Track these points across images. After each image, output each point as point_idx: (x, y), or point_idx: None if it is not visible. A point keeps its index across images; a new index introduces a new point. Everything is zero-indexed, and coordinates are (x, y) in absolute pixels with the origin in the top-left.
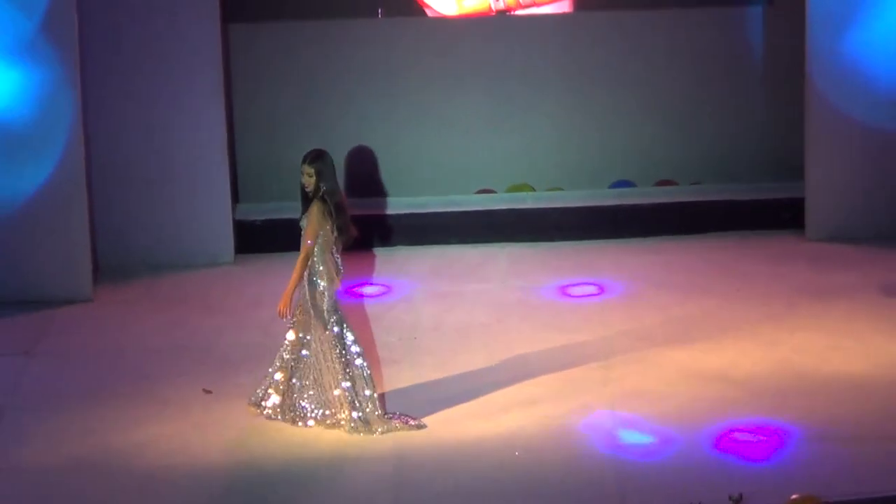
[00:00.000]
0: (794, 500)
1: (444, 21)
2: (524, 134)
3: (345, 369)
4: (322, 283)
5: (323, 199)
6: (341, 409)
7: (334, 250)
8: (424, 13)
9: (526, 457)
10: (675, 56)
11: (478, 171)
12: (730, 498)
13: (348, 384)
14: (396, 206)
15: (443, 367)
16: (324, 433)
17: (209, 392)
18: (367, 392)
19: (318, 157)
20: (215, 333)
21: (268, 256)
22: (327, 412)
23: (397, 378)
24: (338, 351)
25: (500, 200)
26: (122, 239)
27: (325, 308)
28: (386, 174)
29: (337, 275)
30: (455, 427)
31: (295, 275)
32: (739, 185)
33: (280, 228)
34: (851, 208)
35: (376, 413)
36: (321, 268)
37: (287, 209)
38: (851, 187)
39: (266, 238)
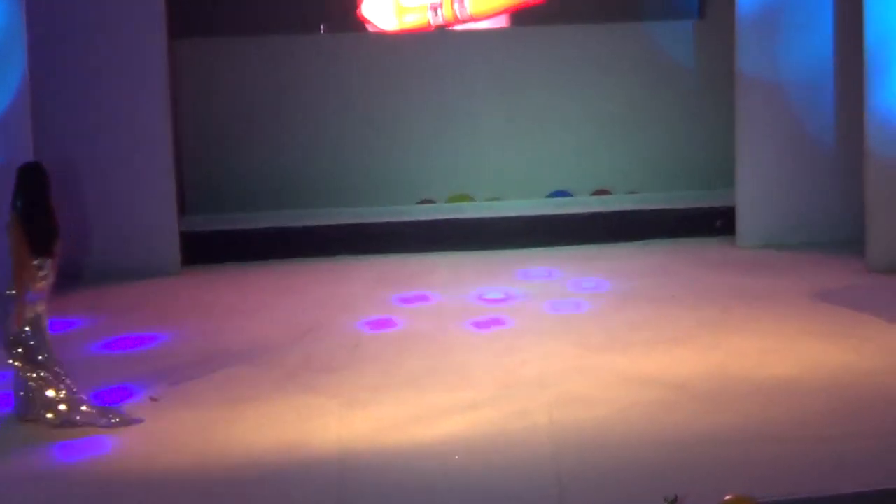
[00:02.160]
0: (729, 500)
1: (384, 36)
2: (464, 145)
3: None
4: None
5: (15, 214)
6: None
7: (30, 261)
8: (365, 29)
9: (466, 461)
10: (609, 69)
11: (419, 182)
12: (665, 499)
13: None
14: (339, 216)
15: (385, 373)
16: (267, 439)
17: (156, 399)
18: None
19: (19, 172)
20: (159, 343)
21: (214, 267)
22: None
23: (340, 385)
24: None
25: (441, 210)
26: (67, 250)
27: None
28: (329, 185)
29: (31, 282)
30: (397, 432)
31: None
32: (673, 194)
33: (226, 239)
34: (781, 216)
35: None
36: None
37: (233, 220)
38: (781, 195)
39: (212, 249)
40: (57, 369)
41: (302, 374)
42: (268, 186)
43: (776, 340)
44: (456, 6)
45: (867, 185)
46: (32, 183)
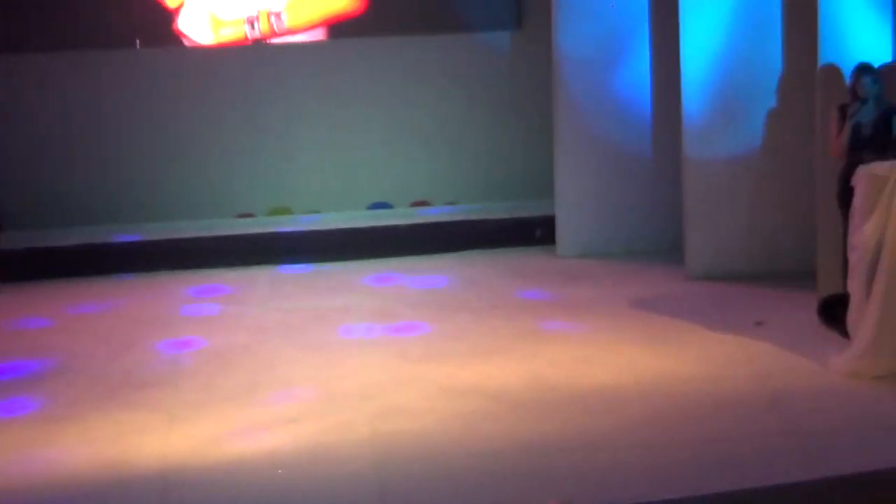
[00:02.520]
0: None
1: (201, 50)
2: (283, 158)
3: None
4: None
5: None
6: None
7: None
8: (182, 43)
9: (289, 474)
10: (427, 80)
11: (238, 196)
12: None
13: None
14: (157, 231)
15: (206, 388)
16: (87, 456)
17: None
18: None
19: None
20: None
21: (29, 285)
22: None
23: (161, 401)
24: None
25: (259, 224)
26: None
27: None
28: (147, 199)
29: None
30: (219, 447)
31: None
32: (493, 205)
33: (41, 257)
34: (600, 225)
35: None
36: None
37: (49, 237)
38: (600, 204)
39: (27, 267)
40: None
41: (122, 391)
42: (84, 202)
43: (594, 349)
44: (272, 19)
45: (685, 194)
46: None
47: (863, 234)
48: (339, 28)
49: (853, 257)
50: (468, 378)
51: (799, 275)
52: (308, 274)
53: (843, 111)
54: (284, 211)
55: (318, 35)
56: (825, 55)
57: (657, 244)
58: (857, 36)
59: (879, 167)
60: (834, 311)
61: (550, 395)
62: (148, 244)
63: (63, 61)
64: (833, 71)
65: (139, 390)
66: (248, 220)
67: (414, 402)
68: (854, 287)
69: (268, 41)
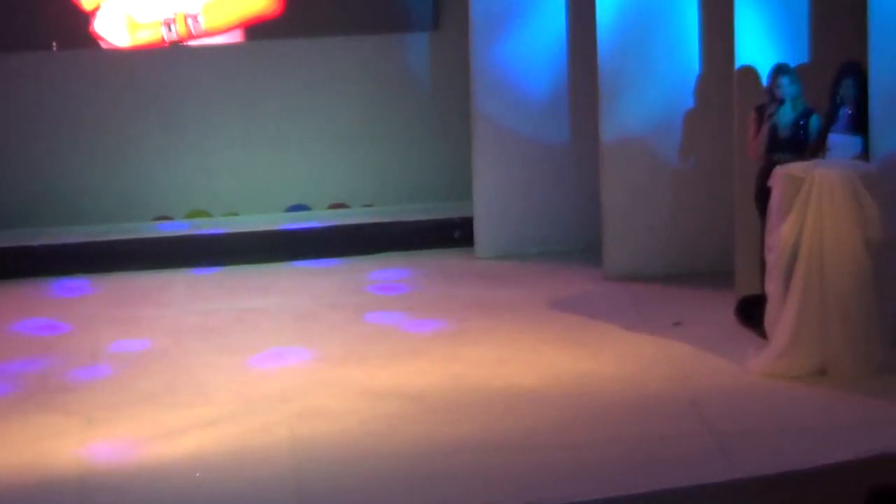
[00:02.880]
0: None
1: (118, 53)
2: (201, 161)
3: None
4: None
5: None
6: None
7: None
8: (98, 45)
9: (207, 477)
10: (344, 83)
11: (156, 199)
12: None
13: None
14: (74, 234)
15: (123, 392)
16: (4, 459)
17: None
18: None
19: None
20: None
21: None
22: None
23: (78, 404)
24: None
25: (178, 227)
26: None
27: None
28: (63, 203)
29: None
30: (137, 450)
31: None
32: (411, 206)
33: None
34: (519, 226)
35: None
36: None
37: None
38: (518, 205)
39: None
40: None
41: (38, 394)
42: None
43: (513, 350)
44: (189, 22)
45: (603, 195)
46: None
47: (780, 234)
48: (256, 30)
49: (770, 258)
50: (387, 380)
51: (717, 275)
52: (226, 276)
53: (760, 112)
54: (202, 213)
55: (236, 37)
56: (742, 55)
57: (575, 245)
58: (775, 35)
59: (796, 168)
60: (752, 312)
61: (470, 397)
62: (63, 247)
63: None
64: (750, 72)
65: (55, 393)
66: (166, 222)
67: (334, 404)
68: (771, 288)
69: (185, 43)
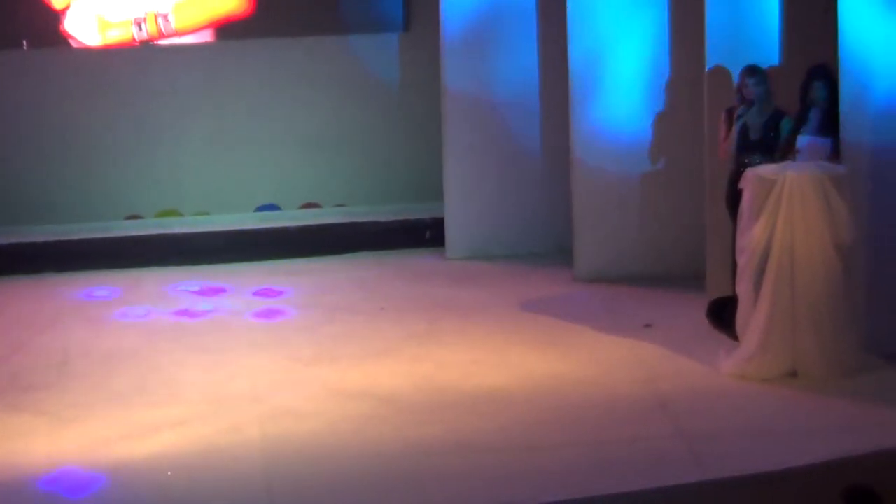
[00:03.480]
0: None
1: (88, 52)
2: (171, 160)
3: None
4: None
5: None
6: None
7: None
8: (69, 44)
9: (177, 476)
10: (315, 83)
11: (126, 198)
12: None
13: None
14: (43, 232)
15: (93, 391)
16: None
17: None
18: None
19: None
20: None
21: None
22: None
23: (48, 403)
24: None
25: (148, 226)
26: None
27: None
28: (33, 201)
29: None
30: (108, 449)
31: None
32: (382, 207)
33: None
34: (489, 227)
35: None
36: None
37: None
38: (489, 206)
39: None
40: None
41: (7, 393)
42: None
43: (484, 351)
44: (160, 21)
45: (574, 196)
46: None
47: (751, 236)
48: (226, 30)
49: (741, 260)
50: (357, 380)
51: (688, 277)
52: (196, 276)
53: (730, 114)
54: (173, 213)
55: (206, 37)
56: (712, 57)
57: (546, 246)
58: (746, 38)
59: (767, 170)
60: (722, 314)
61: (440, 398)
62: (33, 245)
63: None
64: (721, 72)
65: (25, 392)
66: (136, 221)
67: (303, 405)
68: (742, 290)
69: (155, 43)
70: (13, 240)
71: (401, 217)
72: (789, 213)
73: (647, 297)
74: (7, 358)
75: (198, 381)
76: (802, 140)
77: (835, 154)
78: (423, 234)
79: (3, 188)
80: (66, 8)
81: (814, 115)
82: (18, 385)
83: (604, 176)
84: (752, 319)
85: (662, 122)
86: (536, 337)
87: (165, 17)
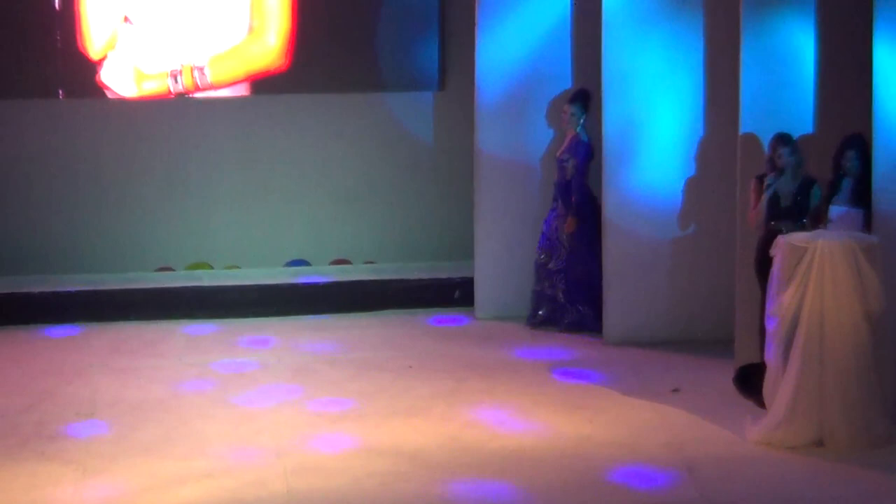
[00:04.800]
0: None
1: (123, 103)
2: (202, 213)
3: None
4: None
5: None
6: None
7: None
8: (105, 95)
9: None
10: (349, 139)
11: (158, 250)
12: None
13: None
14: (74, 282)
15: (119, 441)
16: None
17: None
18: None
19: None
20: None
21: None
22: None
23: (74, 453)
24: None
25: (178, 278)
26: None
27: None
28: (64, 250)
29: None
30: (133, 501)
31: None
32: (412, 265)
33: None
34: (519, 288)
35: None
36: None
37: None
38: (518, 267)
39: None
40: None
41: (34, 441)
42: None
43: (511, 412)
44: (196, 74)
45: (604, 258)
46: None
47: (780, 303)
48: (262, 84)
49: (770, 327)
50: (384, 437)
51: (716, 342)
52: (225, 330)
53: (760, 181)
54: (203, 266)
55: (242, 90)
56: (746, 123)
57: None
58: (780, 105)
59: (799, 237)
60: (750, 381)
61: (466, 457)
62: (63, 295)
63: None
64: (753, 140)
65: (51, 442)
66: (167, 273)
67: (329, 460)
68: (770, 357)
69: (191, 95)
70: (44, 288)
71: (430, 275)
72: (819, 281)
73: (675, 362)
74: (34, 406)
75: (224, 435)
76: (835, 210)
77: (866, 225)
78: (452, 293)
79: (35, 236)
80: (103, 59)
81: (846, 185)
82: (45, 433)
83: (635, 239)
84: (780, 387)
85: (694, 186)
86: (564, 398)
87: (202, 70)
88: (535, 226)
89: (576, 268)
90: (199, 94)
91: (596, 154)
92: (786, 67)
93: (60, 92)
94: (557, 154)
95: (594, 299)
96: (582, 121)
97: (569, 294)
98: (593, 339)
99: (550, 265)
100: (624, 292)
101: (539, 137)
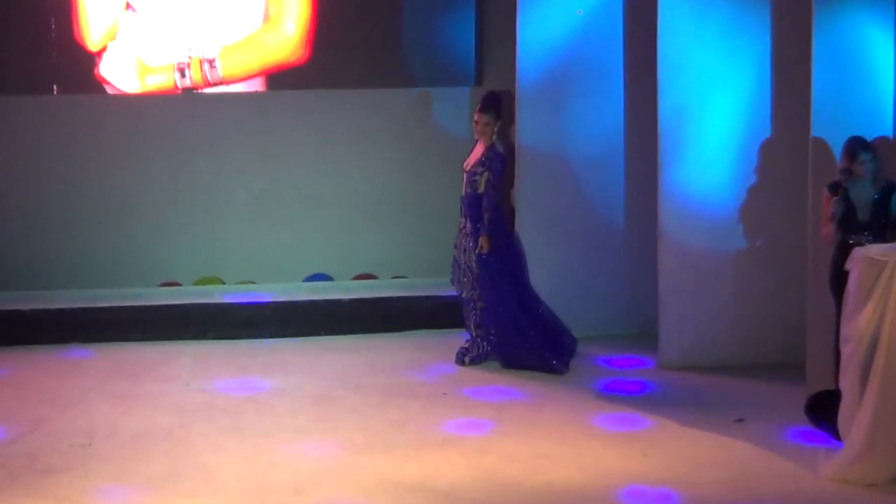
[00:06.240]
0: None
1: (125, 99)
2: (213, 221)
3: None
4: None
5: None
6: None
7: None
8: (104, 90)
9: None
10: (375, 139)
11: (162, 262)
12: None
13: None
14: (69, 299)
15: (120, 475)
16: None
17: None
18: None
19: None
20: None
21: None
22: None
23: (69, 488)
24: None
25: (186, 294)
26: None
27: None
28: (58, 264)
29: None
30: None
31: None
32: (444, 280)
33: None
34: (565, 305)
35: None
36: None
37: None
38: (564, 282)
39: None
40: None
41: (24, 476)
42: None
43: (554, 444)
44: (205, 67)
45: (661, 273)
46: None
47: (857, 324)
48: (278, 78)
49: (846, 350)
50: (414, 472)
51: (786, 368)
52: (238, 351)
53: (834, 191)
54: (213, 280)
55: (256, 86)
56: (818, 123)
57: (629, 329)
58: (855, 103)
59: (878, 250)
60: (824, 410)
61: (503, 495)
62: (58, 313)
63: None
64: (823, 144)
65: (43, 476)
66: (173, 289)
67: (352, 498)
68: (846, 383)
69: (199, 91)
70: (35, 305)
71: None
72: None
73: (739, 389)
74: (25, 437)
75: (236, 469)
76: None
77: None
78: None
79: (26, 247)
80: (102, 50)
81: None
82: (37, 468)
83: (694, 250)
84: (857, 417)
85: (760, 191)
86: (615, 429)
87: (212, 62)
88: (581, 232)
89: (488, 294)
90: (208, 90)
91: (508, 167)
92: (860, 63)
93: (55, 87)
94: (467, 166)
95: (508, 331)
96: (496, 129)
97: (481, 327)
98: (647, 363)
99: (464, 294)
100: (681, 310)
101: (587, 132)
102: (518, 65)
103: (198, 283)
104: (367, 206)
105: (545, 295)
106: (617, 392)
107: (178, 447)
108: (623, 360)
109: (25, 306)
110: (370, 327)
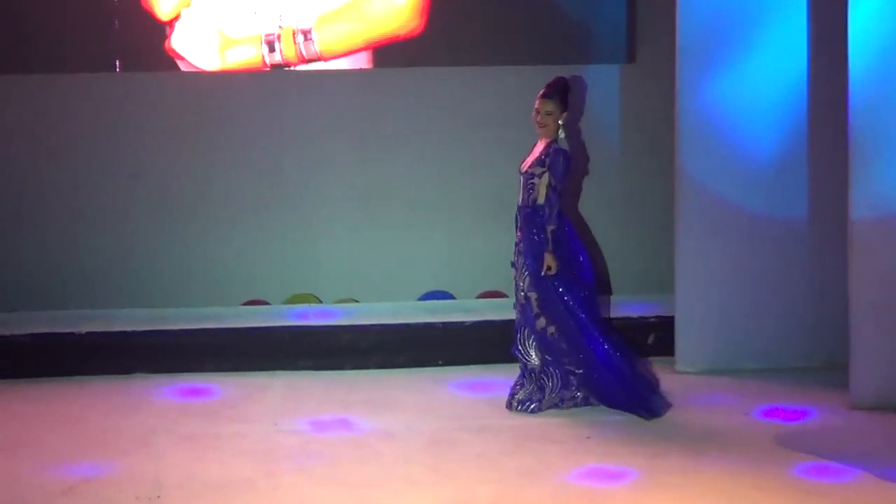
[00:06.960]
0: None
1: (202, 78)
2: (306, 229)
3: None
4: None
5: None
6: None
7: None
8: (176, 66)
9: None
10: (504, 128)
11: (245, 278)
12: None
13: None
14: (135, 320)
15: None
16: None
17: None
18: None
19: None
20: None
21: None
22: None
23: None
24: None
25: (274, 315)
26: None
27: None
28: (118, 277)
29: None
30: None
31: None
32: None
33: None
34: (734, 330)
35: None
36: None
37: None
38: (733, 301)
39: None
40: None
41: None
42: (36, 278)
43: (721, 499)
44: (299, 40)
45: (851, 292)
46: None
47: None
48: (387, 53)
49: None
50: None
51: None
52: (336, 384)
53: None
54: (308, 299)
55: (360, 62)
56: None
57: (812, 359)
58: None
59: None
60: None
61: None
62: (119, 336)
63: (29, 85)
64: None
65: None
66: (259, 308)
67: None
68: None
69: (291, 68)
70: (91, 328)
71: (615, 314)
72: None
73: None
74: (78, 488)
75: None
76: None
77: None
78: (644, 338)
79: (77, 256)
80: (175, 19)
81: None
82: None
83: (894, 264)
84: None
85: None
86: (795, 483)
87: (307, 34)
88: (755, 240)
89: (553, 318)
90: (302, 67)
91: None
92: None
93: (117, 63)
94: (523, 168)
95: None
96: (561, 122)
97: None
98: (835, 399)
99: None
100: (879, 336)
101: (762, 127)
102: (679, 39)
103: (289, 301)
104: (493, 210)
105: (719, 320)
106: (797, 436)
107: (262, 500)
108: (807, 398)
109: (80, 329)
110: (498, 356)
